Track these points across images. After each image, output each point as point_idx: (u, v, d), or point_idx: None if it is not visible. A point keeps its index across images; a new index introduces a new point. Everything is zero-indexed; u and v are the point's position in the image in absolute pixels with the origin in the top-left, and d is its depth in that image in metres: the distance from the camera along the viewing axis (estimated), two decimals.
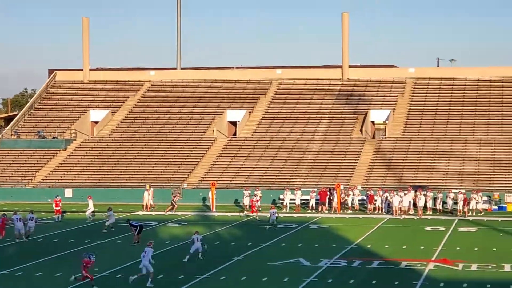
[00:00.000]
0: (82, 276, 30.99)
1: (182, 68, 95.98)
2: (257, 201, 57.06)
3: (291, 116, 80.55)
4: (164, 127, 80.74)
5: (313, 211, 59.47)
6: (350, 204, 59.81)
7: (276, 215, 50.90)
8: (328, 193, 59.87)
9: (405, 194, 57.06)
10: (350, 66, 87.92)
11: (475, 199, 57.36)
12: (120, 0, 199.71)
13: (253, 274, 34.17)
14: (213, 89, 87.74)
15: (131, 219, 46.00)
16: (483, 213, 57.33)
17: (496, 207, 60.62)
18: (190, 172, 71.52)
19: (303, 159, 71.74)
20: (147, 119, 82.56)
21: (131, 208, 61.36)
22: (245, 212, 57.54)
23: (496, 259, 37.46)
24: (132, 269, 33.90)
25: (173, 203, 59.63)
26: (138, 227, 43.34)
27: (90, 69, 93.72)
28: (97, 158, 75.50)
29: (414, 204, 57.88)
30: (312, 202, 60.22)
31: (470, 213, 56.30)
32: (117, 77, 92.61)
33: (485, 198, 60.78)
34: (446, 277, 33.24)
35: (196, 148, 75.99)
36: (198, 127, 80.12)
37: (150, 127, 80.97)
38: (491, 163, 68.07)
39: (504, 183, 64.63)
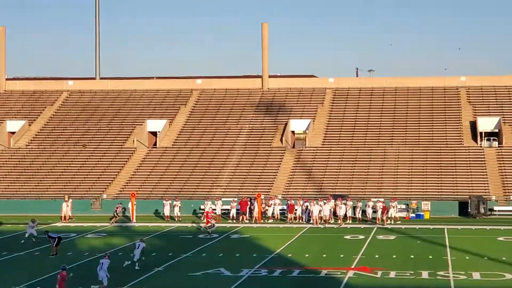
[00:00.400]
0: None
1: (101, 78, 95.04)
2: (213, 211, 56.79)
3: (212, 126, 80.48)
4: (83, 137, 79.72)
5: (234, 221, 59.45)
6: (270, 214, 59.99)
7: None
8: (249, 203, 59.94)
9: (325, 203, 57.53)
10: (270, 76, 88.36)
11: (393, 207, 58.25)
12: (37, 9, 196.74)
13: (174, 284, 33.92)
14: (133, 99, 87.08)
15: (49, 231, 45.22)
16: (399, 221, 58.14)
17: (414, 215, 61.62)
18: (109, 182, 70.74)
19: (223, 169, 71.69)
20: (66, 129, 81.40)
21: (49, 220, 60.28)
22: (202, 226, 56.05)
23: (414, 267, 38.00)
24: (52, 280, 33.22)
25: (116, 214, 58.91)
26: (56, 239, 42.68)
27: (7, 79, 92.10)
28: (14, 169, 74.08)
29: (334, 213, 58.44)
30: (233, 212, 60.25)
31: (389, 221, 57.07)
32: (34, 87, 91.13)
33: (403, 206, 61.85)
34: (365, 285, 33.56)
35: (116, 158, 75.24)
36: (117, 137, 79.37)
37: (68, 137, 79.84)
38: (408, 172, 69.18)
39: (421, 191, 65.74)
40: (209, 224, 51.43)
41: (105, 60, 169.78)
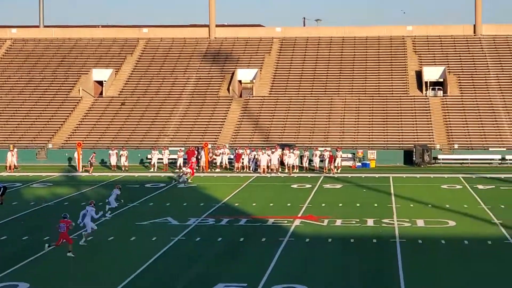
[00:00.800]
0: (57, 241, 29.47)
1: (45, 26, 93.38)
2: (197, 161, 56.98)
3: (158, 76, 79.87)
4: (27, 86, 78.52)
5: (181, 170, 59.38)
6: (219, 163, 60.04)
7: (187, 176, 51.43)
8: (196, 152, 59.89)
9: (273, 152, 57.75)
10: (217, 26, 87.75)
11: (339, 156, 58.71)
12: None
13: (121, 233, 33.87)
14: (78, 48, 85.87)
15: None
16: (339, 170, 58.25)
17: (360, 164, 62.26)
18: (55, 132, 70.04)
19: (170, 119, 71.40)
20: (9, 78, 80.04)
21: None
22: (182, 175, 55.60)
23: (360, 215, 38.47)
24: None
25: (90, 163, 58.52)
26: (2, 188, 42.24)
27: None
28: None
29: (282, 163, 58.72)
30: (180, 162, 60.15)
31: (336, 170, 57.56)
32: None
33: (350, 155, 62.44)
34: (311, 233, 33.87)
35: (61, 107, 74.38)
36: (63, 86, 78.34)
37: (12, 86, 78.56)
38: (355, 121, 69.66)
39: (367, 140, 66.35)
40: (188, 175, 51.80)
41: (49, 8, 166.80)
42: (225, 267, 27.92)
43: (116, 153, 60.95)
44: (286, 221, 36.75)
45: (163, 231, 34.49)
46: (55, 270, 27.61)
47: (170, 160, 61.31)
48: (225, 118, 71.18)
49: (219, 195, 45.70)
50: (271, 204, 42.60)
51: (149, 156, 62.32)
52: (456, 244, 31.36)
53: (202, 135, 67.97)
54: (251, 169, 58.87)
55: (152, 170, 60.08)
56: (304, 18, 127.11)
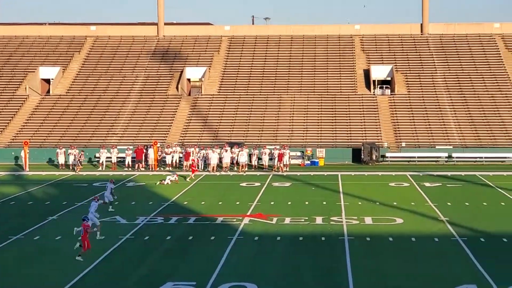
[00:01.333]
0: (83, 244, 28.70)
1: None
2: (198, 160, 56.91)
3: (107, 74, 79.29)
4: None
5: (130, 169, 59.06)
6: (169, 162, 59.71)
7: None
8: (145, 151, 59.58)
9: (226, 151, 57.70)
10: (166, 24, 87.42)
11: (287, 154, 58.77)
12: None
13: (69, 233, 33.48)
14: (25, 46, 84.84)
15: None
16: (288, 168, 58.38)
17: (309, 162, 62.51)
18: (1, 131, 69.13)
19: (119, 117, 70.95)
20: None
21: None
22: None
23: (309, 212, 38.61)
24: None
25: (79, 163, 57.89)
26: None
27: None
28: None
29: (231, 161, 58.68)
30: (128, 160, 59.78)
31: (285, 168, 57.70)
32: None
33: (298, 153, 62.67)
34: (260, 231, 33.91)
35: (7, 106, 73.45)
36: (9, 84, 77.35)
37: None
38: (304, 120, 69.92)
39: (316, 138, 66.65)
40: (194, 174, 52.41)
41: None
42: (174, 266, 27.81)
43: (64, 151, 60.36)
44: (235, 220, 36.74)
45: (111, 229, 34.21)
46: (2, 271, 27.24)
47: (119, 159, 60.91)
48: (174, 117, 70.93)
49: (168, 194, 45.51)
50: (220, 203, 42.54)
51: (97, 155, 61.81)
52: (404, 241, 31.66)
53: (151, 134, 67.66)
54: (200, 167, 58.71)
55: (100, 168, 59.62)
56: (253, 16, 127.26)
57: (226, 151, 57.89)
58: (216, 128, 68.93)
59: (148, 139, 65.07)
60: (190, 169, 54.70)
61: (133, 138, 67.05)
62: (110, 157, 60.08)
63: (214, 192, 47.02)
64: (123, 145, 63.49)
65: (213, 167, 57.10)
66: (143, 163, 59.26)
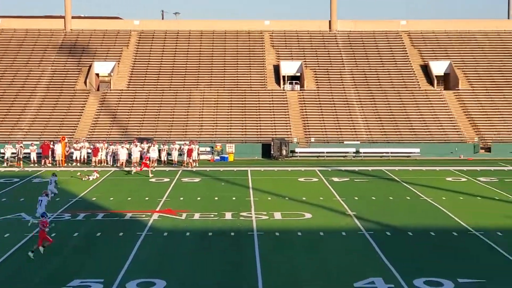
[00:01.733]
0: (39, 242, 28.37)
1: None
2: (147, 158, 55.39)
3: (12, 68, 77.56)
4: None
5: (36, 164, 57.95)
6: (77, 157, 58.77)
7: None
8: (52, 146, 58.53)
9: (136, 146, 57.16)
10: (73, 17, 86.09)
11: (196, 149, 58.63)
12: None
13: None
14: None
15: None
16: (197, 163, 58.21)
17: (219, 158, 62.51)
18: None
19: (24, 112, 69.54)
20: None
21: None
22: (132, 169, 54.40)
23: (218, 208, 38.60)
24: None
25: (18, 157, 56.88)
26: None
27: None
28: None
29: (141, 157, 58.17)
30: (33, 156, 58.49)
31: (194, 164, 57.55)
32: None
33: (208, 149, 62.61)
34: (170, 227, 33.75)
35: None
36: None
37: None
38: (213, 115, 69.85)
39: (226, 134, 66.68)
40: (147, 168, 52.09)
41: None
42: (82, 263, 27.44)
43: None
44: (144, 215, 36.47)
45: (16, 227, 33.54)
46: None
47: (25, 155, 59.65)
48: (82, 112, 69.93)
49: (76, 190, 44.86)
50: (129, 199, 42.16)
51: (1, 151, 60.43)
52: (312, 236, 31.96)
53: (58, 129, 66.54)
54: (108, 163, 58.06)
55: (5, 165, 58.33)
56: (162, 11, 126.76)
57: (136, 146, 57.36)
58: (125, 124, 68.27)
59: (56, 135, 64.00)
60: (142, 165, 53.55)
61: (39, 134, 65.83)
62: (15, 153, 58.80)
63: (123, 188, 46.57)
64: (29, 141, 62.22)
65: (122, 162, 56.53)
66: (49, 159, 58.21)
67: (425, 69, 78.93)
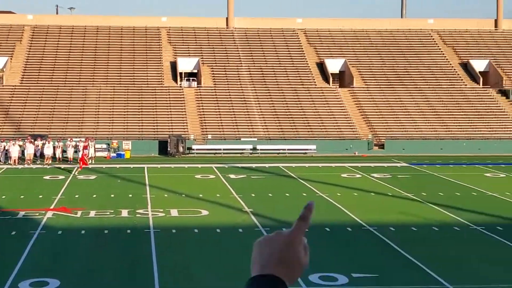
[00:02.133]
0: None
1: None
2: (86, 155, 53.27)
3: None
4: None
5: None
6: None
7: None
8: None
9: (31, 142, 56.01)
10: None
11: (92, 146, 57.83)
12: None
13: None
14: None
15: None
16: (93, 160, 57.41)
17: (115, 155, 61.88)
18: None
19: None
20: None
21: None
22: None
23: (114, 205, 38.21)
24: None
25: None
26: None
27: None
28: None
29: (34, 154, 57.10)
30: None
31: (90, 161, 56.77)
32: None
33: (104, 146, 61.90)
34: (64, 225, 33.20)
35: None
36: None
37: None
38: (110, 111, 69.12)
39: (122, 130, 66.07)
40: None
41: None
42: None
43: None
44: (37, 214, 35.78)
45: None
46: None
47: None
48: None
49: None
50: (22, 197, 41.29)
51: None
52: (209, 233, 31.95)
53: None
54: (0, 160, 56.76)
55: None
56: (57, 6, 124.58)
57: (31, 142, 56.22)
58: (19, 120, 66.82)
59: None
60: (80, 163, 52.16)
61: None
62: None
63: (15, 186, 45.61)
64: None
65: (15, 160, 55.32)
66: None
67: (321, 66, 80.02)
